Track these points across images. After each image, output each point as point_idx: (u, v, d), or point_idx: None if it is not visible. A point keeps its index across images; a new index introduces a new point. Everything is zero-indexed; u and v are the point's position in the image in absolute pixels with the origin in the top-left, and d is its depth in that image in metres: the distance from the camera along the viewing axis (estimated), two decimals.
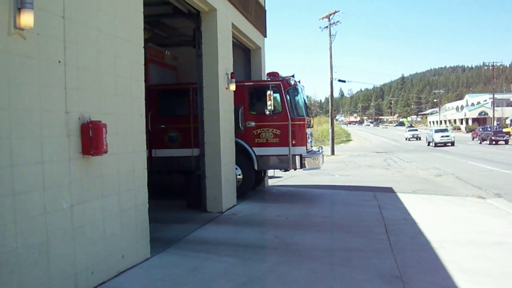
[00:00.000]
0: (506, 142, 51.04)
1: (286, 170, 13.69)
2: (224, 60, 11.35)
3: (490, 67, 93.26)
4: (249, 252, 7.99)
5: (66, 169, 5.29)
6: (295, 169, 13.21)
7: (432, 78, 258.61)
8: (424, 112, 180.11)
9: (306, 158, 12.80)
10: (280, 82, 12.90)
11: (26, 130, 4.71)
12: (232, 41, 12.32)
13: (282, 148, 12.75)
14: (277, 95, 12.74)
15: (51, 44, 5.09)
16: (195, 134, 12.31)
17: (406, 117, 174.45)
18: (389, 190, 15.53)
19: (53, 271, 5.03)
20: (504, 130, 56.86)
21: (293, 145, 12.70)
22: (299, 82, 13.58)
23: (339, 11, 45.19)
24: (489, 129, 56.69)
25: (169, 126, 13.09)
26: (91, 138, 5.58)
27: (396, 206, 12.58)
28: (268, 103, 12.39)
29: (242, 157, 12.88)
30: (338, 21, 45.52)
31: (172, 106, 13.69)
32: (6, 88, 4.46)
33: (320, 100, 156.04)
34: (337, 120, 67.09)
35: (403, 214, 11.44)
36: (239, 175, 12.85)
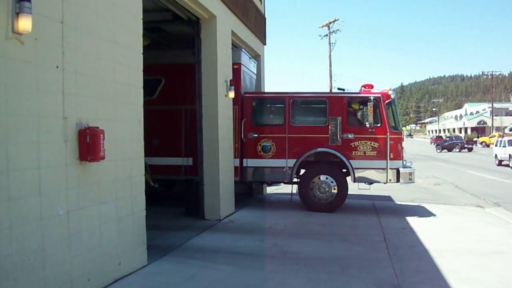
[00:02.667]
0: (470, 150, 58.25)
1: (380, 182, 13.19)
2: (223, 67, 11.35)
3: (489, 76, 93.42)
4: (247, 260, 7.95)
5: (63, 175, 5.25)
6: (386, 182, 12.87)
7: (431, 87, 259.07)
8: (423, 121, 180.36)
9: (402, 172, 12.60)
10: (380, 95, 12.65)
11: (23, 135, 4.67)
12: (232, 48, 12.31)
13: (380, 162, 12.45)
14: (377, 108, 12.50)
15: (49, 49, 5.07)
16: (289, 144, 12.55)
17: (405, 126, 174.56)
18: (388, 198, 15.52)
19: (48, 278, 4.99)
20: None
21: (391, 158, 12.46)
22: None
23: (338, 19, 45.51)
24: (453, 138, 64.82)
25: (263, 135, 12.85)
26: (89, 144, 5.55)
27: (394, 214, 12.56)
28: (369, 116, 12.25)
29: (338, 169, 12.75)
30: (338, 30, 45.82)
31: (267, 115, 13.61)
32: (3, 92, 4.43)
33: None
34: None
35: (402, 222, 11.42)
36: (334, 188, 12.58)
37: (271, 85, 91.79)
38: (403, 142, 13.04)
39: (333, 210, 12.48)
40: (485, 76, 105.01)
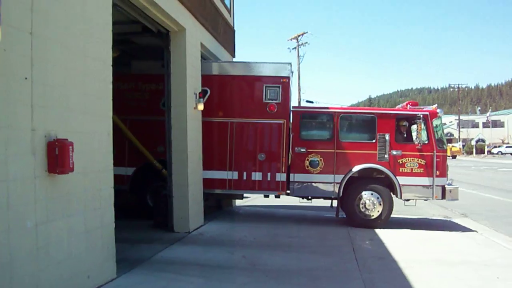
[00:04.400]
0: None
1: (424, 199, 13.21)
2: (192, 79, 11.37)
3: (456, 89, 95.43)
4: (216, 273, 7.94)
5: (31, 187, 5.19)
6: (432, 199, 12.88)
7: (399, 99, 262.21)
8: None
9: (448, 189, 12.59)
10: (428, 113, 12.74)
11: None
12: (201, 60, 12.34)
13: (426, 179, 12.48)
14: (425, 125, 12.54)
15: (18, 60, 5.03)
16: (337, 159, 12.51)
17: None
18: None
19: None
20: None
21: (437, 176, 12.49)
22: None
23: (307, 32, 46.10)
24: None
25: (311, 150, 12.72)
26: (57, 156, 5.49)
27: None
28: (420, 133, 12.40)
29: (384, 185, 12.68)
30: (307, 42, 46.35)
31: (315, 130, 13.51)
32: None
33: None
34: None
35: (370, 234, 11.55)
36: (380, 204, 12.50)
37: None
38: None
39: (378, 226, 12.40)
40: (451, 89, 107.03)
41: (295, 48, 46.81)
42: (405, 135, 12.97)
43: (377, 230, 11.86)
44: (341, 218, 13.08)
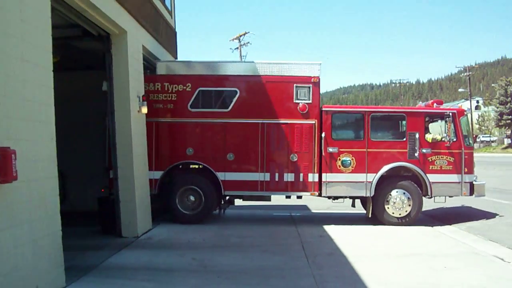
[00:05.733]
0: None
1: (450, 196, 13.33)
2: (135, 83, 11.26)
3: (397, 85, 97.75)
4: (167, 276, 7.92)
5: None
6: (461, 196, 13.07)
7: (342, 96, 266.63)
8: None
9: (476, 186, 12.81)
10: (455, 111, 12.99)
11: None
12: (143, 63, 12.22)
13: (455, 176, 12.68)
14: (453, 123, 12.72)
15: None
16: (369, 158, 12.59)
17: None
18: (304, 208, 15.85)
19: None
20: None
21: (465, 172, 12.69)
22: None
23: (249, 32, 46.08)
24: None
25: (342, 149, 12.74)
26: (0, 165, 5.36)
27: (312, 223, 12.87)
28: (449, 131, 12.56)
29: (412, 184, 12.76)
30: (249, 42, 46.34)
31: (346, 129, 13.57)
32: None
33: None
34: None
35: (319, 230, 11.75)
36: (409, 202, 12.61)
37: None
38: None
39: (408, 224, 12.54)
40: (393, 85, 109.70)
41: (237, 48, 46.93)
42: (434, 134, 13.05)
43: (326, 227, 12.07)
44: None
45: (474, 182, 12.79)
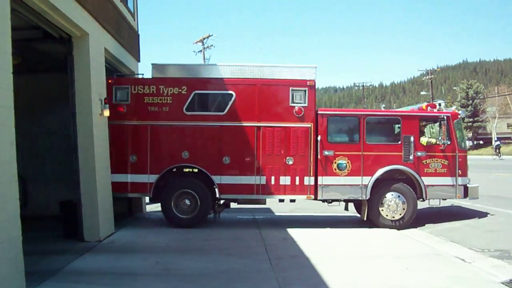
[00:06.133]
0: None
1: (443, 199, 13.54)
2: (97, 85, 11.15)
3: (361, 88, 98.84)
4: (130, 280, 7.87)
5: None
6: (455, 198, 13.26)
7: None
8: None
9: (470, 188, 12.94)
10: (450, 114, 13.09)
11: None
12: (105, 66, 12.11)
13: (449, 178, 12.81)
14: (447, 126, 12.83)
15: None
16: (364, 161, 12.65)
17: None
18: (268, 210, 15.88)
19: None
20: None
21: (459, 175, 12.83)
22: None
23: (212, 35, 45.93)
24: None
25: (338, 153, 12.76)
26: None
27: (275, 225, 12.92)
28: (443, 134, 12.69)
29: (407, 186, 12.85)
30: (212, 45, 46.27)
31: (342, 132, 13.51)
32: None
33: None
34: None
35: (283, 233, 11.80)
36: (404, 205, 12.71)
37: None
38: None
39: (403, 227, 12.63)
40: (356, 87, 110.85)
41: (200, 51, 46.79)
42: (429, 137, 13.25)
43: (289, 229, 12.12)
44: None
45: (468, 185, 13.00)
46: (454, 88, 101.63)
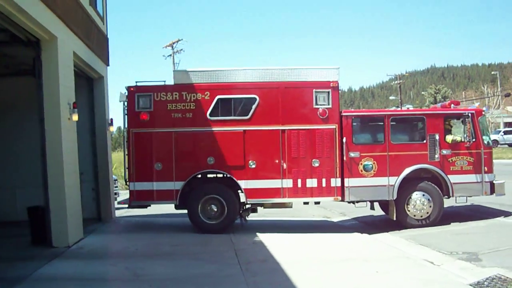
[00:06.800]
0: None
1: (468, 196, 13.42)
2: (66, 89, 11.02)
3: None
4: (99, 286, 7.92)
5: None
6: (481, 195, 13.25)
7: None
8: None
9: (496, 184, 12.99)
10: (474, 111, 13.13)
11: None
12: (74, 70, 12.00)
13: (475, 176, 12.85)
14: (472, 124, 12.87)
15: None
16: (390, 162, 12.65)
17: None
18: None
19: None
20: None
21: (485, 172, 12.87)
22: None
23: (182, 39, 45.75)
24: None
25: (364, 154, 12.74)
26: None
27: (245, 230, 12.91)
28: (468, 131, 12.74)
29: (433, 185, 12.89)
30: (182, 50, 46.04)
31: (367, 133, 13.51)
32: None
33: None
34: None
35: (252, 238, 11.79)
36: (430, 204, 12.78)
37: (115, 109, 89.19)
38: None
39: (430, 225, 12.71)
40: None
41: (170, 55, 46.57)
42: (454, 134, 13.20)
43: (259, 234, 12.09)
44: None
45: (494, 182, 13.09)
46: (422, 92, 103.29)
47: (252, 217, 15.19)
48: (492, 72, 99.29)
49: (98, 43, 14.61)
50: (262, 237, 11.82)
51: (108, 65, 16.04)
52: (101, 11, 15.37)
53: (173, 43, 46.20)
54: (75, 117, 11.35)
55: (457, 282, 7.79)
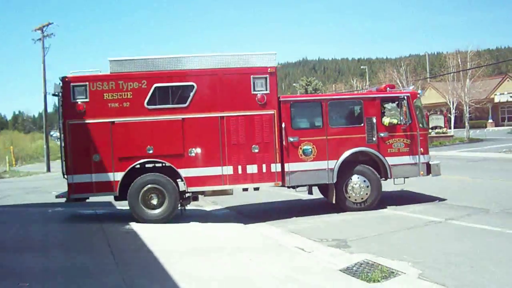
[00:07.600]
0: None
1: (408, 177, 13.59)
2: None
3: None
4: None
5: None
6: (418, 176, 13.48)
7: None
8: None
9: (432, 165, 13.29)
10: (409, 94, 13.43)
11: None
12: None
13: (412, 157, 13.14)
14: (407, 106, 13.10)
15: None
16: (329, 146, 12.82)
17: None
18: (109, 204, 15.15)
19: None
20: None
21: (421, 153, 13.17)
22: None
23: (53, 23, 43.37)
24: None
25: (303, 138, 12.71)
26: None
27: (117, 220, 12.64)
28: (404, 114, 13.04)
29: (370, 168, 13.10)
30: (52, 34, 43.69)
31: (306, 118, 13.39)
32: None
33: (34, 116, 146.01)
34: (52, 136, 64.19)
35: (125, 227, 11.59)
36: (367, 186, 12.96)
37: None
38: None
39: (368, 209, 12.92)
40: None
41: (40, 39, 44.04)
42: (390, 117, 13.29)
43: (133, 224, 11.84)
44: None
45: (430, 162, 13.51)
46: (294, 84, 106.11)
47: (123, 206, 14.70)
48: (361, 67, 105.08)
49: None
50: (135, 226, 11.61)
51: None
52: None
53: (43, 26, 43.58)
54: None
55: (328, 268, 8.04)
